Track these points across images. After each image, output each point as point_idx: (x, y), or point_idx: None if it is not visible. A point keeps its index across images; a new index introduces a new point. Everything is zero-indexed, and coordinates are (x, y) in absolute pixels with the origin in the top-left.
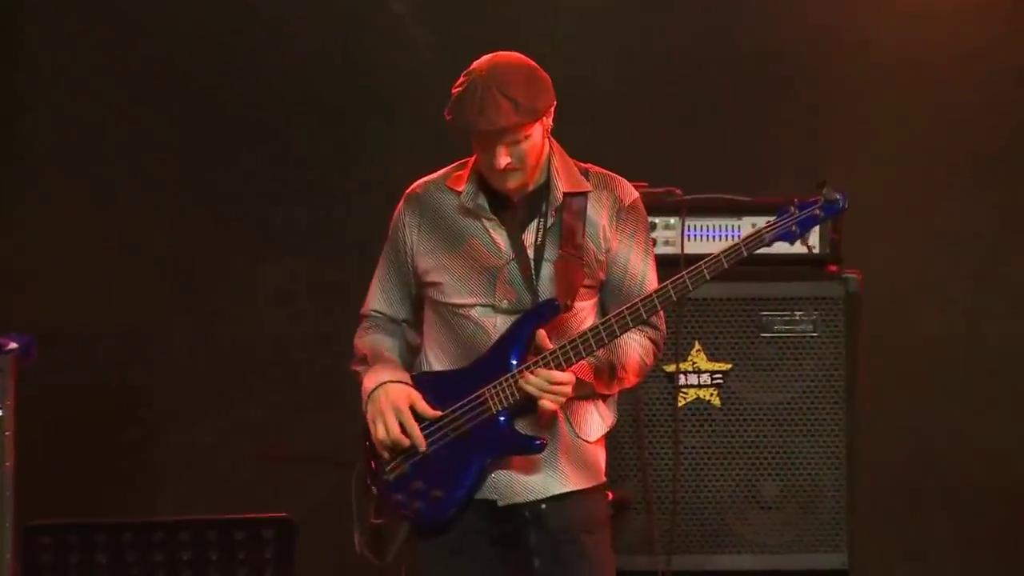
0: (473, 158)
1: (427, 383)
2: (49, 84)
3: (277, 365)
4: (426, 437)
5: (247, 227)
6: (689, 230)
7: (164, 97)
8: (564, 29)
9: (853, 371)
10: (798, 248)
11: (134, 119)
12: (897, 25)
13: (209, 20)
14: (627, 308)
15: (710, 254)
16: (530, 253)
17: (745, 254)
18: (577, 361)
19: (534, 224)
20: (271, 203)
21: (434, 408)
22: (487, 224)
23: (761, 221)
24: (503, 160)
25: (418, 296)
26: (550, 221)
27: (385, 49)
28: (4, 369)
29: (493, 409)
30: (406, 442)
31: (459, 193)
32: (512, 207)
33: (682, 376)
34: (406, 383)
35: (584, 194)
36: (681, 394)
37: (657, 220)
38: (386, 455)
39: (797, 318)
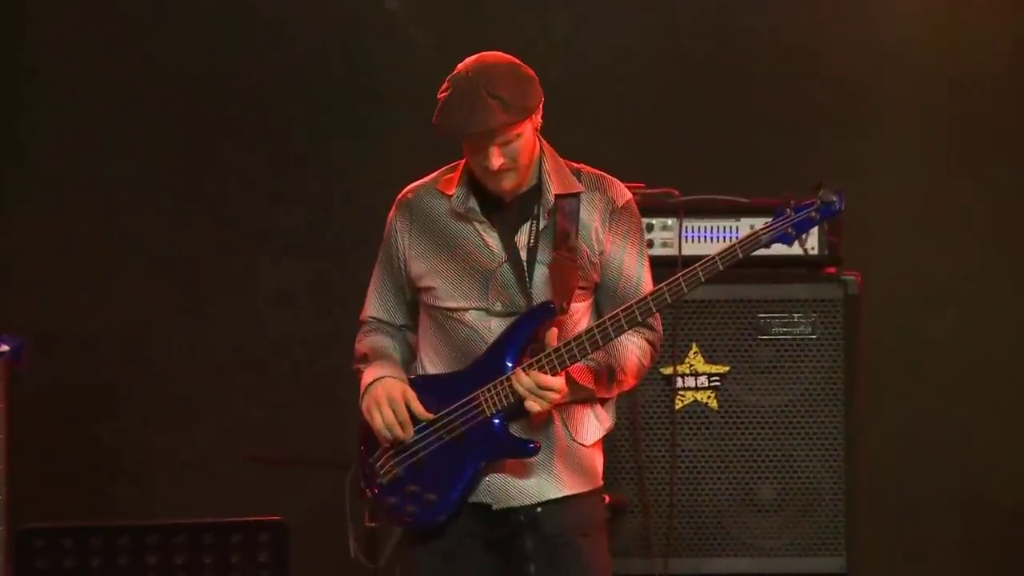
0: (463, 160)
1: (422, 385)
2: (49, 84)
3: (276, 365)
4: (421, 439)
5: (247, 227)
6: (686, 231)
7: (164, 97)
8: (561, 30)
9: (852, 373)
10: (796, 250)
11: (134, 119)
12: (895, 25)
13: (209, 20)
14: (622, 310)
15: (707, 256)
16: (523, 255)
17: (740, 256)
18: (572, 363)
19: (526, 226)
20: (271, 203)
21: (428, 410)
22: (478, 227)
23: (759, 222)
24: (496, 161)
25: (414, 301)
26: (543, 223)
27: (385, 49)
28: None
29: (487, 412)
30: (404, 431)
31: (450, 197)
32: (503, 209)
33: (679, 379)
34: (404, 381)
35: (577, 195)
36: (678, 397)
37: (654, 221)
38: (386, 444)
39: (795, 320)
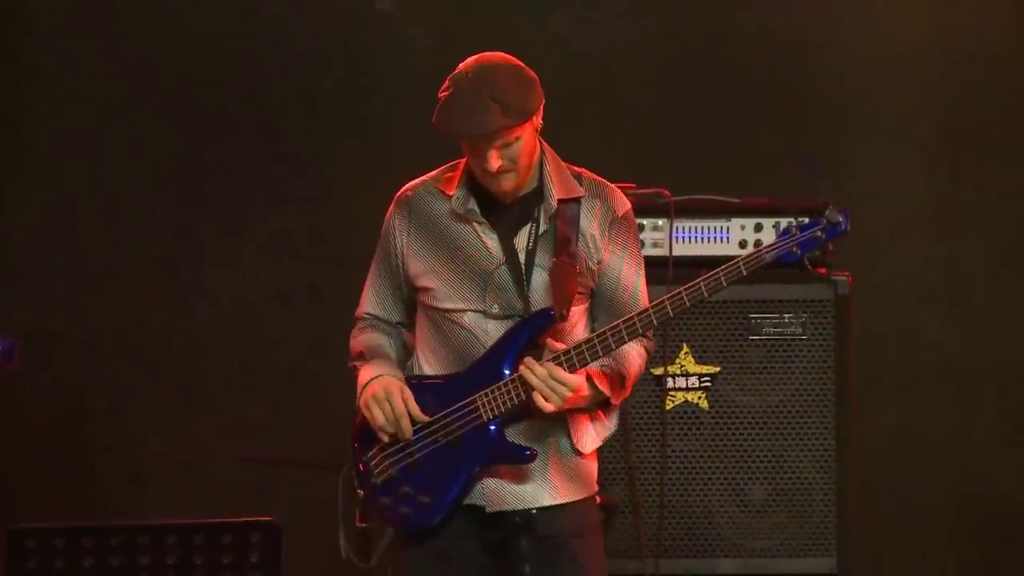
0: (464, 160)
1: (419, 387)
2: (49, 84)
3: (276, 366)
4: (417, 441)
5: (247, 227)
6: (677, 232)
7: (164, 97)
8: (556, 30)
9: (843, 374)
10: None
11: (134, 119)
12: (892, 26)
13: (209, 20)
14: (623, 322)
15: (698, 256)
16: (521, 257)
17: (744, 273)
18: (572, 371)
19: (526, 229)
20: (271, 203)
21: (425, 412)
22: (477, 228)
23: (749, 223)
24: (495, 163)
25: (411, 299)
26: (543, 227)
27: (385, 49)
28: None
29: (484, 417)
30: (403, 427)
31: (449, 197)
32: (503, 210)
33: (670, 379)
34: (401, 380)
35: (578, 201)
36: (669, 397)
37: (645, 222)
38: (386, 439)
39: (786, 320)
